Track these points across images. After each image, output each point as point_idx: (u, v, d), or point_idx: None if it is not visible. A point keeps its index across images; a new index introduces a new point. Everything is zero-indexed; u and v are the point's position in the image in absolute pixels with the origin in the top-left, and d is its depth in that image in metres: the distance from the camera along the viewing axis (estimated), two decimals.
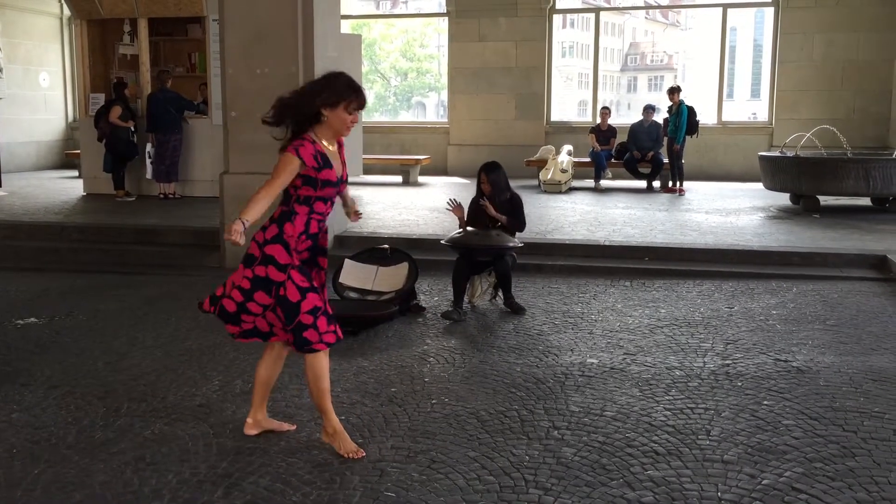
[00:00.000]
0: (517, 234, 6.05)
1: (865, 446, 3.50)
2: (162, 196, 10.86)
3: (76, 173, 13.52)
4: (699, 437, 3.62)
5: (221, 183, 7.73)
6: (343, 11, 12.11)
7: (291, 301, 3.35)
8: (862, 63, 13.39)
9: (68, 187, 12.35)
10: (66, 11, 14.80)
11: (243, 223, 3.21)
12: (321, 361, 3.43)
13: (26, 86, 15.34)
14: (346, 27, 15.34)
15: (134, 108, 11.02)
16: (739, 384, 4.30)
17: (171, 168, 10.87)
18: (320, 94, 3.27)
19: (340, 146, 3.46)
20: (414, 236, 7.91)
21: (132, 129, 10.73)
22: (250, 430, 3.62)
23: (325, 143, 3.34)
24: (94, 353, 4.94)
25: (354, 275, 6.12)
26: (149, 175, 11.05)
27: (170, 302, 6.29)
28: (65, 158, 15.53)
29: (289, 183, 3.29)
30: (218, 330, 5.42)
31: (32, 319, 5.74)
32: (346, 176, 3.47)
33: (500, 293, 6.03)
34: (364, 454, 3.42)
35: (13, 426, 3.79)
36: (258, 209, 3.25)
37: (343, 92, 3.27)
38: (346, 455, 3.40)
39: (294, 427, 3.70)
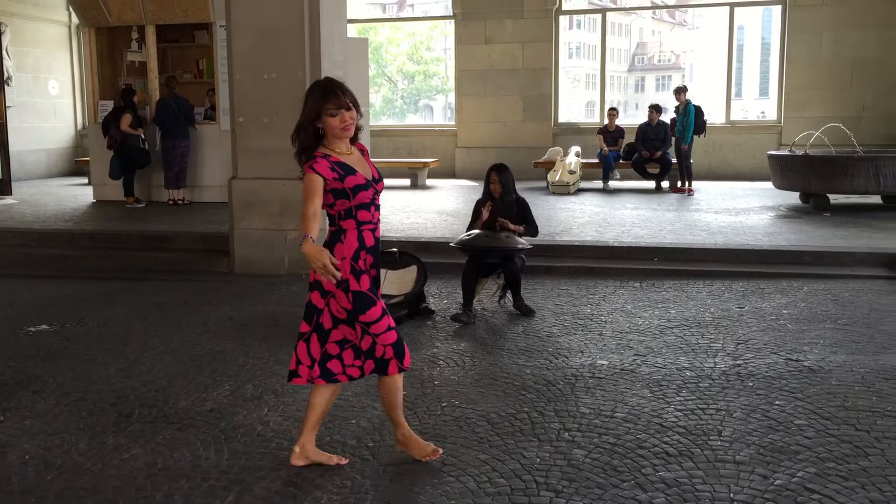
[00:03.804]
0: (531, 239, 6.05)
1: (878, 445, 3.48)
2: (171, 202, 10.91)
3: (86, 180, 13.59)
4: (711, 437, 3.60)
5: (230, 188, 7.75)
6: (349, 15, 12.14)
7: (325, 328, 3.34)
8: (871, 60, 13.31)
9: (78, 194, 12.42)
10: (75, 19, 14.90)
11: (309, 239, 3.09)
12: (381, 389, 3.41)
13: (35, 94, 15.43)
14: (352, 31, 15.38)
15: (142, 114, 11.07)
16: (751, 384, 4.28)
17: (180, 174, 10.91)
18: (305, 110, 3.25)
19: (364, 152, 3.43)
20: (423, 239, 7.91)
21: (142, 136, 10.78)
22: (297, 461, 3.36)
23: (338, 152, 3.31)
24: (105, 359, 4.96)
25: None
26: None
27: (180, 307, 6.31)
28: (74, 166, 15.63)
29: (321, 201, 3.23)
30: (227, 335, 5.44)
31: (44, 326, 5.77)
32: (379, 175, 3.41)
33: (510, 295, 6.02)
34: (441, 452, 3.41)
35: (26, 433, 3.80)
36: (310, 225, 3.14)
37: (317, 101, 3.22)
38: (423, 458, 3.38)
39: (346, 461, 3.41)
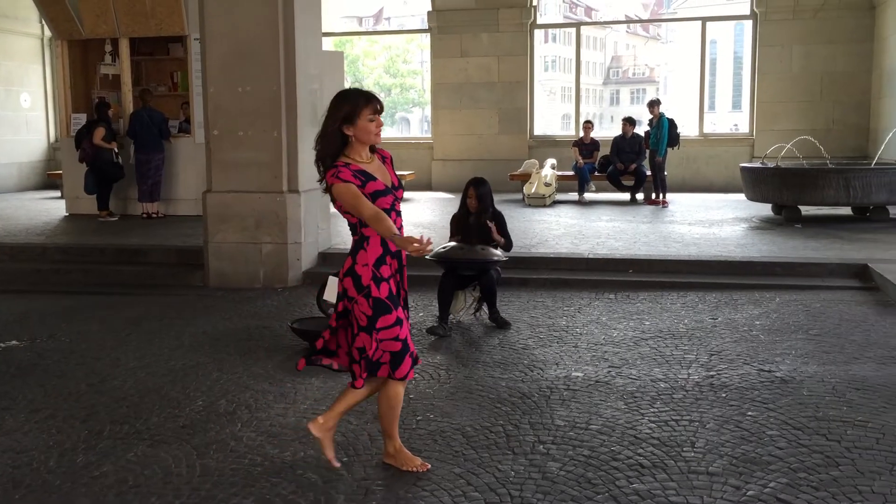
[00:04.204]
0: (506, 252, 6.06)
1: (849, 455, 3.52)
2: (145, 215, 10.82)
3: (58, 194, 13.45)
4: (684, 449, 3.62)
5: (204, 201, 7.71)
6: (326, 29, 12.14)
7: (353, 331, 3.37)
8: (840, 74, 13.55)
9: (50, 208, 12.29)
10: (48, 32, 14.77)
11: (393, 237, 3.20)
12: (382, 403, 3.46)
13: (8, 107, 15.28)
14: (328, 44, 15.38)
15: (116, 128, 10.99)
16: (724, 395, 4.31)
17: (154, 187, 10.83)
18: (336, 116, 3.28)
19: (386, 159, 3.44)
20: None
21: (116, 149, 10.69)
22: (315, 430, 3.46)
23: (358, 160, 3.32)
24: (76, 375, 4.90)
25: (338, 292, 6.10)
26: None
27: (153, 322, 6.25)
28: (47, 179, 15.45)
29: (369, 198, 3.26)
30: (201, 350, 5.40)
31: (14, 342, 5.68)
32: (399, 182, 3.43)
33: (485, 308, 6.03)
34: (429, 466, 3.44)
35: None
36: (385, 222, 3.20)
37: (359, 104, 3.28)
38: (412, 470, 3.40)
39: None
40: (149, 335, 5.84)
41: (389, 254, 3.35)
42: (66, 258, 8.51)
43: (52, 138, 16.15)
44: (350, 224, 3.38)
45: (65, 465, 3.57)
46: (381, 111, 3.33)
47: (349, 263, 3.35)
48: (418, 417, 4.07)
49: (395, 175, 3.44)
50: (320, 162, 3.36)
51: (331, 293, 6.09)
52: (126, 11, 10.82)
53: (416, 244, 3.08)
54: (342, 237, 8.87)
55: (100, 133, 10.54)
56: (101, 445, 3.79)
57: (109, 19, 10.94)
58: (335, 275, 6.23)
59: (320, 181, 3.39)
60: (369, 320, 3.30)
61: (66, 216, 11.27)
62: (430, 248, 3.12)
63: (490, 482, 3.32)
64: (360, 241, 3.34)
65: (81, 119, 11.22)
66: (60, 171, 12.50)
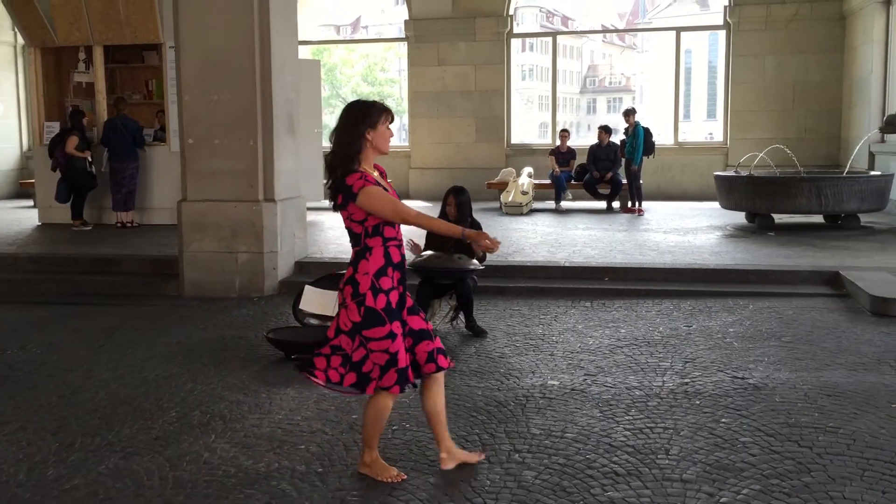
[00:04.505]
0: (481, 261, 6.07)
1: (821, 461, 3.55)
2: (119, 225, 10.72)
3: (31, 203, 13.29)
4: (658, 456, 3.64)
5: (179, 210, 7.65)
6: (303, 37, 12.13)
7: (328, 337, 3.40)
8: (811, 84, 13.74)
9: (23, 217, 12.14)
10: (20, 40, 14.60)
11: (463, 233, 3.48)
12: (370, 412, 3.43)
13: None
14: (306, 53, 15.38)
15: (90, 136, 10.89)
16: (698, 402, 4.34)
17: (129, 196, 10.74)
18: (360, 123, 3.32)
19: (382, 174, 3.51)
20: None
21: (89, 158, 10.59)
22: (447, 465, 3.49)
23: (368, 170, 3.38)
24: (47, 387, 4.84)
25: (315, 301, 6.07)
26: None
27: (127, 332, 6.19)
28: (19, 188, 15.26)
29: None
30: (175, 360, 5.35)
31: None
32: (397, 195, 3.49)
33: (462, 316, 6.03)
34: (405, 476, 3.44)
35: None
36: (432, 220, 3.54)
37: (379, 113, 3.36)
38: (387, 480, 3.39)
39: (483, 455, 3.59)
40: (122, 346, 5.78)
41: (392, 265, 3.36)
42: (39, 268, 8.41)
43: (25, 147, 15.97)
44: (353, 234, 3.37)
45: (35, 479, 3.52)
46: (393, 121, 3.44)
47: (350, 273, 3.36)
48: (394, 427, 4.05)
49: (393, 188, 3.50)
50: (338, 167, 3.34)
51: (307, 302, 6.08)
52: (100, 19, 10.74)
53: (487, 241, 3.36)
54: (318, 246, 8.85)
55: (73, 142, 10.44)
56: (72, 458, 3.74)
57: (83, 27, 10.86)
58: (312, 284, 6.23)
59: (332, 187, 3.36)
60: (354, 326, 3.31)
61: (38, 225, 11.14)
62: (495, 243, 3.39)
63: (465, 491, 3.32)
64: (362, 252, 3.34)
65: (55, 127, 11.10)
66: (33, 180, 12.36)
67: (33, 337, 6.06)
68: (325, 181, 12.61)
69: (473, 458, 3.58)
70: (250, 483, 3.43)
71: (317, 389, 4.67)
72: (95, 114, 11.19)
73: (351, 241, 3.40)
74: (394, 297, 3.35)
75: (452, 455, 3.53)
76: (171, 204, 9.23)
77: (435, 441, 3.57)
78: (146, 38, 10.85)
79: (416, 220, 3.39)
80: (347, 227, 3.40)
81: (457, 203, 5.95)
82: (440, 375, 3.49)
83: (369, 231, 3.32)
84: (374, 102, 3.43)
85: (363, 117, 3.33)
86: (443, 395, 3.54)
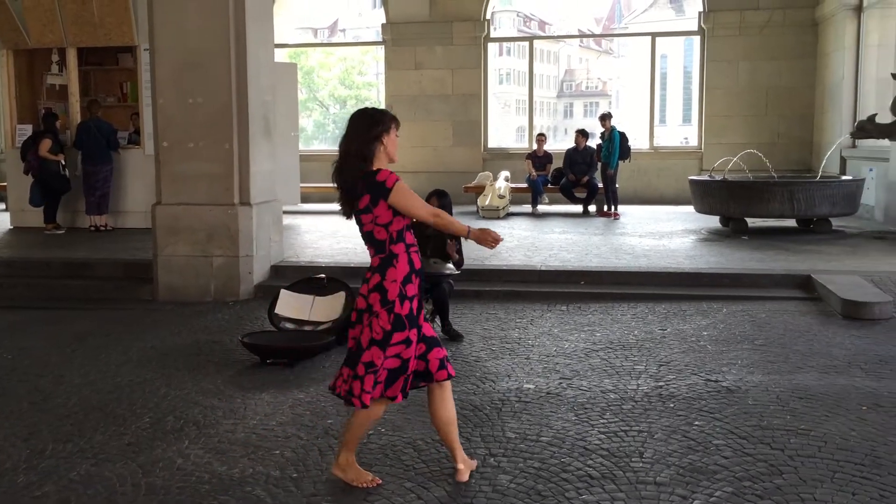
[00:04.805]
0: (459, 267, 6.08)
1: (792, 463, 3.59)
2: (93, 228, 10.60)
3: (3, 206, 13.11)
4: (633, 459, 3.66)
5: (153, 214, 7.59)
6: (280, 40, 12.09)
7: (362, 345, 3.33)
8: (784, 89, 13.90)
9: None
10: None
11: (469, 231, 3.50)
12: (360, 415, 3.39)
13: None
14: (283, 56, 15.31)
15: (63, 139, 10.77)
16: (672, 405, 4.37)
17: (103, 199, 10.63)
18: (375, 126, 3.35)
19: None
20: (351, 265, 7.87)
21: (62, 161, 10.47)
22: (464, 477, 3.44)
23: None
24: (18, 392, 4.78)
25: (291, 305, 6.06)
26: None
27: (100, 337, 6.13)
28: None
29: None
30: (149, 365, 5.30)
31: None
32: None
33: (438, 320, 6.03)
34: (381, 481, 3.41)
35: None
36: (448, 218, 3.49)
37: (391, 118, 3.44)
38: (362, 485, 3.37)
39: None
40: (95, 351, 5.72)
41: (415, 272, 3.37)
42: (10, 272, 8.30)
43: None
44: (376, 241, 3.33)
45: (5, 486, 3.47)
46: (398, 128, 3.50)
47: (377, 280, 3.32)
48: (369, 431, 4.04)
49: None
50: (353, 169, 3.33)
51: (283, 307, 6.06)
52: (73, 21, 10.64)
53: (490, 239, 3.40)
54: (294, 250, 8.80)
55: (46, 145, 10.32)
56: (43, 465, 3.69)
57: (56, 28, 10.74)
58: (288, 288, 6.21)
59: (347, 192, 3.36)
60: (385, 335, 3.29)
61: (10, 229, 11.00)
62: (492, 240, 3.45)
63: (441, 496, 3.32)
64: (388, 259, 3.32)
65: (27, 130, 10.97)
66: (5, 183, 12.17)
67: (4, 342, 5.98)
68: (301, 184, 12.57)
69: (475, 464, 3.59)
70: (224, 489, 3.41)
71: (292, 394, 4.67)
72: (69, 116, 11.07)
73: (373, 247, 3.36)
74: (415, 304, 3.37)
75: (468, 465, 3.52)
76: (146, 207, 9.17)
77: (450, 452, 3.50)
78: (120, 41, 10.75)
79: (440, 216, 3.42)
80: (368, 233, 3.35)
81: (440, 206, 5.95)
82: (448, 383, 3.47)
83: (394, 237, 3.31)
84: (385, 110, 3.47)
85: (377, 122, 3.37)
86: (453, 402, 3.52)
